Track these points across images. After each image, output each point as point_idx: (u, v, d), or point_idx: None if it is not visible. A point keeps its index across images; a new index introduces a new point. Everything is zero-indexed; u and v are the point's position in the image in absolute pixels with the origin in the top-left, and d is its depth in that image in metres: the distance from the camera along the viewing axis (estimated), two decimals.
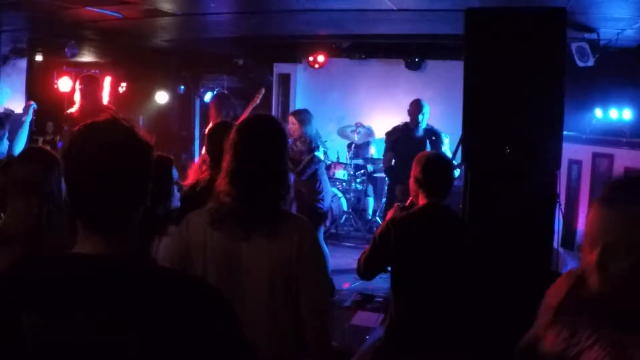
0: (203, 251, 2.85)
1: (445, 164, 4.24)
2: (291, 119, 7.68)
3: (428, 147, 8.21)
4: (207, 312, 1.69)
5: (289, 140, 5.96)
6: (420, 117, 8.34)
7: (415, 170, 4.13)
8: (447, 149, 8.39)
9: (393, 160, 8.61)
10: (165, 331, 1.60)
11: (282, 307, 2.84)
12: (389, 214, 4.29)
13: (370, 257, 4.16)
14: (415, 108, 8.40)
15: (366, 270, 4.21)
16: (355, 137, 11.13)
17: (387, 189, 9.08)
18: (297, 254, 2.80)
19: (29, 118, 6.32)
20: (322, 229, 7.73)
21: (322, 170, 7.77)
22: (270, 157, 2.88)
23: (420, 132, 8.40)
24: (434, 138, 8.39)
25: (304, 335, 2.88)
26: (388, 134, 8.81)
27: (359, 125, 11.32)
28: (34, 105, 6.59)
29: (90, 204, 1.71)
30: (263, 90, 9.11)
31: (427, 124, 8.49)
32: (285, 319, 2.85)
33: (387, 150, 8.75)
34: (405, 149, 8.05)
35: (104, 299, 1.60)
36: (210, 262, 2.85)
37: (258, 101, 8.68)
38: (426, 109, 8.37)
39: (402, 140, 8.46)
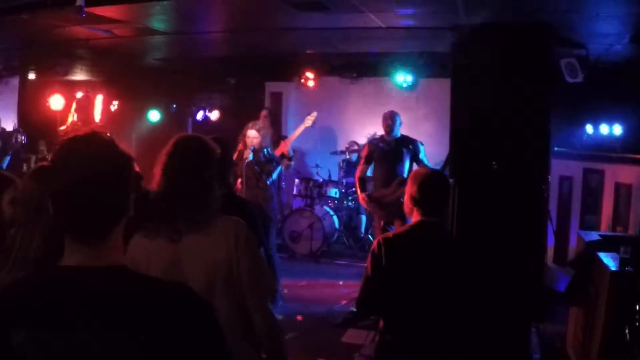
0: (146, 266, 2.92)
1: (441, 181, 4.20)
2: (255, 133, 8.18)
3: (406, 155, 8.72)
4: (192, 318, 1.73)
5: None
6: (393, 127, 8.76)
7: (411, 188, 4.09)
8: (424, 155, 8.86)
9: (369, 170, 9.05)
10: (156, 339, 1.63)
11: (224, 305, 2.94)
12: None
13: (365, 285, 4.10)
14: (388, 120, 8.80)
15: (361, 300, 4.11)
16: (354, 157, 11.27)
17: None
18: (235, 252, 2.96)
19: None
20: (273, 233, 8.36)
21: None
22: (192, 170, 3.05)
23: (395, 141, 8.77)
24: (411, 146, 8.79)
25: (255, 331, 3.03)
26: (364, 147, 9.24)
27: (352, 143, 11.48)
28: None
29: (73, 215, 1.72)
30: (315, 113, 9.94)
31: (401, 134, 8.89)
32: (230, 317, 2.95)
33: (362, 162, 9.06)
34: (383, 158, 8.76)
35: (92, 311, 1.63)
36: (154, 272, 2.91)
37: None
38: (398, 119, 8.81)
39: (377, 151, 8.85)
